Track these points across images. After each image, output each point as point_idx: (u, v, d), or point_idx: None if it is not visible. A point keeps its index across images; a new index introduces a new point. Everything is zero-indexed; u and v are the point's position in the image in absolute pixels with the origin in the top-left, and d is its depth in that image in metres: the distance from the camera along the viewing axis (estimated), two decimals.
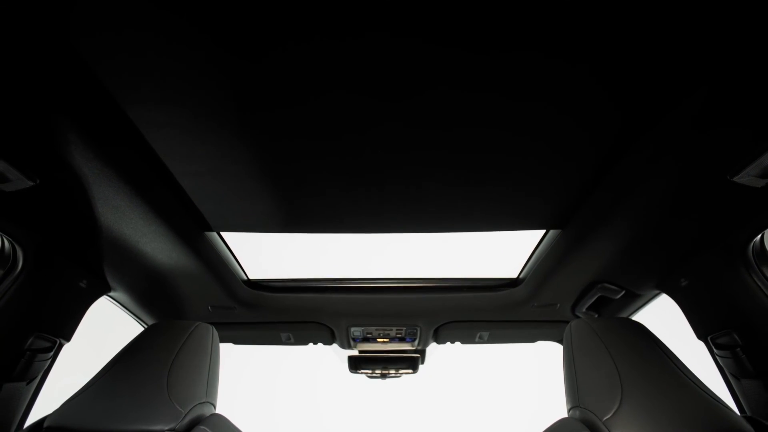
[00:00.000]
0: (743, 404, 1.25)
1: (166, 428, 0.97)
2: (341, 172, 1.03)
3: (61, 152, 0.90)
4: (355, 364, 2.16)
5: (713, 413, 0.92)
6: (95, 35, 0.69)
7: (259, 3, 0.64)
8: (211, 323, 1.35)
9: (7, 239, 1.14)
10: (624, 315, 1.73)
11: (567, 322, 1.82)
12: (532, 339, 2.13)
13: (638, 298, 1.60)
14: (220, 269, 1.58)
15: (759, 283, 1.15)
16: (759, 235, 1.15)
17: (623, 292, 1.57)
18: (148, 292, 1.61)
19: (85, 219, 1.12)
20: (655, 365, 1.02)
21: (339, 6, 0.64)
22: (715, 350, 1.28)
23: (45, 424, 0.98)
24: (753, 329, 1.16)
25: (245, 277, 1.80)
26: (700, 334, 1.33)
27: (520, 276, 1.79)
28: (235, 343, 2.13)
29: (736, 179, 0.91)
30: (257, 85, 0.79)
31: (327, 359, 2.45)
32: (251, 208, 1.21)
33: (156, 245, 1.32)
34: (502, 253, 1.77)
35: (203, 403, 1.09)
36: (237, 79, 0.78)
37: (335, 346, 2.18)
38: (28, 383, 1.22)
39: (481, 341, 2.12)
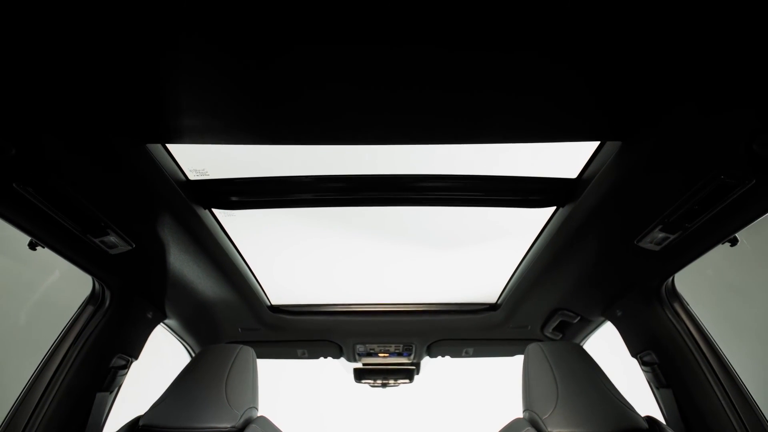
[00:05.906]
0: (662, 408, 1.62)
1: (228, 426, 1.33)
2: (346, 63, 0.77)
3: (155, 226, 1.27)
4: (359, 375, 2.54)
5: (621, 414, 1.30)
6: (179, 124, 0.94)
7: None
8: (240, 342, 1.69)
9: (98, 282, 1.50)
10: (581, 336, 2.10)
11: (538, 340, 2.19)
12: (510, 353, 2.50)
13: (591, 323, 1.97)
14: (250, 298, 1.95)
15: (669, 316, 1.53)
16: (670, 278, 1.53)
17: (579, 318, 1.95)
18: (194, 318, 1.97)
19: (158, 268, 1.49)
20: (584, 379, 1.39)
21: None
22: (642, 366, 1.65)
23: (140, 423, 1.33)
24: (665, 350, 1.53)
25: (269, 303, 2.17)
26: (632, 353, 1.70)
27: (498, 302, 2.17)
28: (258, 358, 2.49)
29: (640, 244, 1.29)
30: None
31: (328, 370, 2.80)
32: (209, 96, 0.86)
33: (206, 283, 1.69)
34: (484, 281, 2.13)
35: (251, 407, 1.45)
36: None
37: (342, 359, 2.54)
38: (110, 393, 1.57)
39: (467, 355, 2.49)
